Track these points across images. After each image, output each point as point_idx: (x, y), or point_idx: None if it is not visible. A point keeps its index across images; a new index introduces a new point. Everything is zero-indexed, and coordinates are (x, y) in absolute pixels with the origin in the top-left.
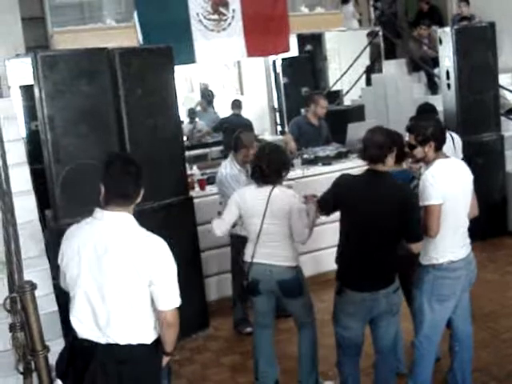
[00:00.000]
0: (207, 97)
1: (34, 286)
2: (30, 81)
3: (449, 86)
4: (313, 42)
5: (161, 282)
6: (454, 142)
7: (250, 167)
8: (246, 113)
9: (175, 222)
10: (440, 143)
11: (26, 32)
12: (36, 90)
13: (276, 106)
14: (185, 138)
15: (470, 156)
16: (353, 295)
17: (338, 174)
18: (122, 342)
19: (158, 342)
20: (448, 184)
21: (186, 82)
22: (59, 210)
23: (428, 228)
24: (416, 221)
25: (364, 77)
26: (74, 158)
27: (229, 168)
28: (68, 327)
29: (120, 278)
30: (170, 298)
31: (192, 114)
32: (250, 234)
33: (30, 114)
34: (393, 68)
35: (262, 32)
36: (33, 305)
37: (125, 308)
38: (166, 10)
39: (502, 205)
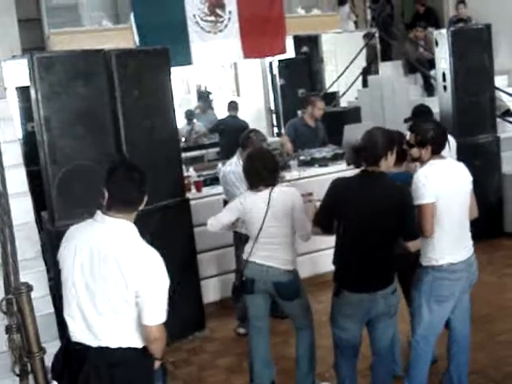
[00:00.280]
0: (205, 99)
1: (30, 288)
2: (26, 82)
3: (445, 87)
4: (309, 44)
5: (147, 296)
6: (449, 145)
7: (243, 170)
8: (242, 114)
9: (172, 224)
10: (438, 147)
11: (23, 33)
12: (32, 92)
13: (272, 107)
14: (182, 140)
15: (467, 158)
16: (350, 296)
17: (334, 176)
18: (113, 346)
19: None
20: (441, 184)
21: (183, 84)
22: (55, 212)
23: (422, 228)
24: (413, 219)
25: (360, 78)
26: (70, 160)
27: (234, 165)
28: (64, 329)
29: (109, 285)
30: (155, 314)
31: (190, 115)
32: (250, 234)
33: (27, 115)
34: (389, 70)
35: (259, 34)
36: (29, 306)
37: (113, 314)
38: (163, 12)
39: (499, 206)
